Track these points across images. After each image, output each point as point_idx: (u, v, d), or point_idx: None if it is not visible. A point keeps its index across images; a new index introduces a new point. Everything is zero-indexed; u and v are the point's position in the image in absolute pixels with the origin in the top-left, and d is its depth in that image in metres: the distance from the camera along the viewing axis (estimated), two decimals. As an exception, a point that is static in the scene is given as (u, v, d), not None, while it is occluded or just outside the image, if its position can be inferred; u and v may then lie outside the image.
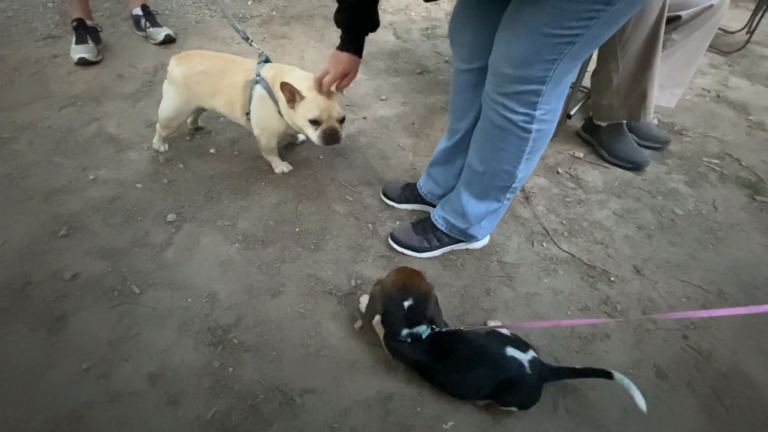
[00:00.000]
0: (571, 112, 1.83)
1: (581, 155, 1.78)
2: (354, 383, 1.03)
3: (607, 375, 0.92)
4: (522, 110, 0.96)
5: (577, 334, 1.14)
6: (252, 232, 1.39)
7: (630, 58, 1.57)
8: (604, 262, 1.34)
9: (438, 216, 1.32)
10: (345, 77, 1.24)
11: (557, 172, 1.69)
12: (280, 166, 1.61)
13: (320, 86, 1.25)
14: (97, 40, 2.18)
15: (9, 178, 1.53)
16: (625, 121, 1.77)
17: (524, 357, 0.96)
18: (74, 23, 2.14)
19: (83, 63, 2.10)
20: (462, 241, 1.33)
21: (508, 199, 1.21)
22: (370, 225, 1.45)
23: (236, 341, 1.10)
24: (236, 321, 1.14)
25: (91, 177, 1.56)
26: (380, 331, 1.07)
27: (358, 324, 1.14)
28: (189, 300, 1.19)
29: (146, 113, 1.86)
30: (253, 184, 1.56)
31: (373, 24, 1.14)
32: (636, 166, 1.72)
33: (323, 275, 1.27)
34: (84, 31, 2.14)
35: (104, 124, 1.81)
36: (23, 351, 1.07)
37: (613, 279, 1.29)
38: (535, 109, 0.96)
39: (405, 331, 0.96)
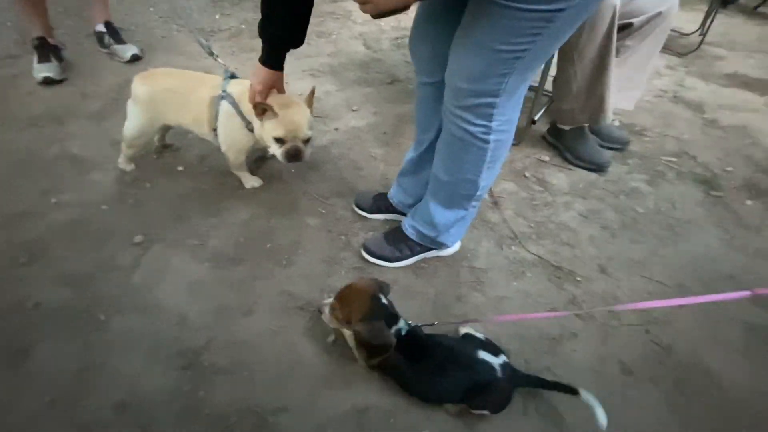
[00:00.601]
0: (536, 117, 1.88)
1: (547, 158, 1.83)
2: (328, 399, 1.03)
3: (574, 392, 0.94)
4: (479, 122, 0.99)
5: (546, 335, 1.17)
6: (222, 251, 1.37)
7: (586, 64, 1.63)
8: (570, 262, 1.38)
9: (408, 225, 1.34)
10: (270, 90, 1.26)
11: (524, 176, 1.74)
12: (251, 182, 1.60)
13: (253, 101, 1.26)
14: (60, 58, 2.13)
15: (-35, 206, 1.47)
16: (587, 124, 1.84)
17: (496, 361, 0.97)
18: (35, 42, 2.07)
19: (48, 82, 2.04)
20: (433, 249, 1.34)
21: (474, 207, 1.24)
22: (342, 237, 1.45)
23: (207, 363, 1.07)
24: (207, 342, 1.12)
25: (54, 200, 1.51)
26: (353, 343, 1.07)
27: (331, 338, 1.14)
28: (158, 324, 1.16)
29: (111, 132, 1.81)
30: (223, 201, 1.54)
31: (297, 41, 1.15)
32: (599, 167, 1.78)
33: (296, 291, 1.26)
34: (46, 49, 2.08)
35: (67, 145, 1.76)
36: (-18, 387, 1.03)
37: (579, 279, 1.33)
38: (491, 121, 0.99)
39: (393, 328, 0.97)
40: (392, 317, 0.99)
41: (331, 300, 1.06)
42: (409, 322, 1.01)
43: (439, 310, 1.22)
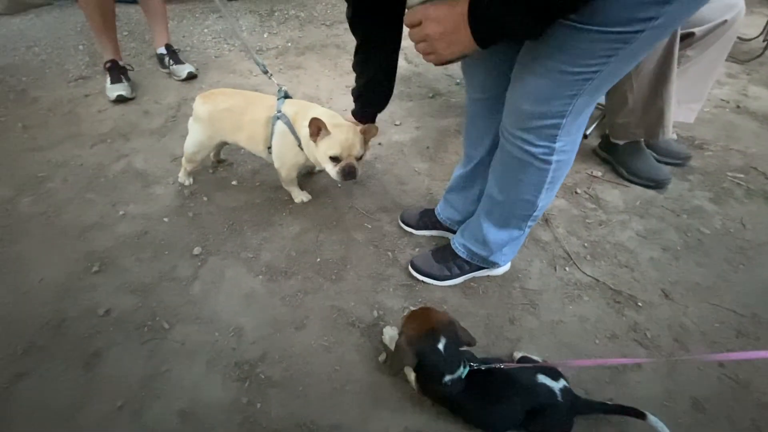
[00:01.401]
0: (588, 131, 1.82)
1: (599, 174, 1.76)
2: (380, 419, 1.03)
3: (641, 415, 0.89)
4: (542, 143, 0.96)
5: (606, 365, 1.11)
6: (275, 264, 1.42)
7: (644, 77, 1.56)
8: (630, 286, 1.31)
9: (458, 243, 1.32)
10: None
11: (576, 193, 1.68)
12: (300, 196, 1.65)
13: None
14: (128, 78, 2.30)
15: (45, 216, 1.61)
16: (642, 139, 1.75)
17: (556, 385, 0.94)
18: (108, 64, 2.26)
19: (120, 100, 2.22)
20: (483, 268, 1.32)
21: (529, 227, 1.21)
22: (389, 253, 1.45)
23: (263, 376, 1.11)
24: (262, 355, 1.16)
25: (121, 212, 1.62)
26: (410, 373, 1.06)
27: (382, 357, 1.14)
28: (216, 334, 1.21)
29: (171, 148, 1.93)
30: (274, 215, 1.60)
31: (380, 104, 1.35)
32: (657, 184, 1.69)
33: (345, 306, 1.28)
34: (117, 71, 2.27)
35: (132, 159, 1.88)
36: (60, 387, 1.10)
37: (640, 304, 1.26)
38: (554, 142, 0.96)
39: (448, 378, 0.94)
40: (448, 365, 0.95)
41: (392, 330, 1.11)
42: (471, 364, 0.98)
43: (491, 333, 1.20)
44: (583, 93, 0.85)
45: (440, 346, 0.94)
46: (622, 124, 1.70)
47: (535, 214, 1.15)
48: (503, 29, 0.77)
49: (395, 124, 2.10)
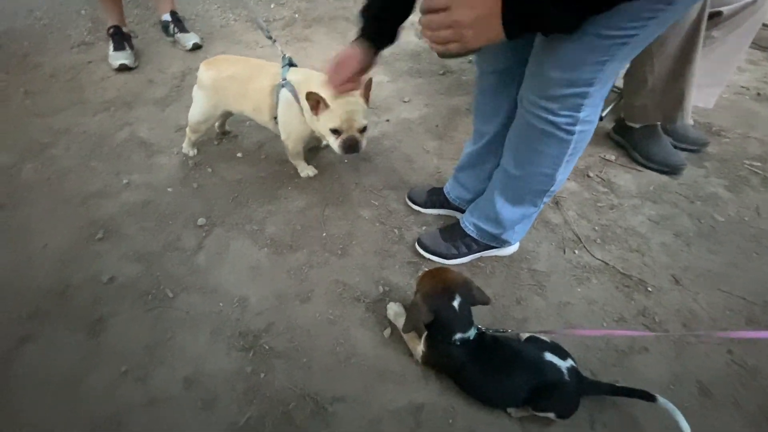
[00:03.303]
0: (603, 114, 1.77)
1: (612, 158, 1.72)
2: (384, 392, 1.02)
3: (650, 398, 0.88)
4: (566, 113, 0.92)
5: (613, 347, 1.10)
6: (280, 237, 1.40)
7: (667, 57, 1.50)
8: (640, 270, 1.29)
9: (468, 222, 1.30)
10: (356, 76, 1.16)
11: (588, 176, 1.64)
12: (306, 170, 1.62)
13: (334, 89, 1.19)
14: (132, 46, 2.24)
15: (48, 183, 1.59)
16: (659, 123, 1.70)
17: (563, 364, 0.93)
18: (111, 30, 2.19)
19: (123, 69, 2.16)
20: (492, 247, 1.30)
21: (544, 203, 1.18)
22: (395, 230, 1.43)
23: (267, 347, 1.10)
24: (267, 326, 1.15)
25: (125, 181, 1.60)
26: (411, 340, 1.06)
27: (387, 332, 1.13)
28: (221, 304, 1.21)
29: (175, 117, 1.90)
30: (279, 188, 1.57)
31: (405, 12, 1.04)
32: (672, 170, 1.65)
33: (351, 281, 1.27)
34: (121, 37, 2.20)
35: (136, 128, 1.85)
36: (65, 353, 1.10)
37: (650, 289, 1.24)
38: (579, 111, 0.92)
39: (458, 335, 0.95)
40: (461, 323, 0.96)
41: (397, 306, 1.11)
42: (479, 327, 0.99)
43: (498, 313, 1.19)
44: (614, 58, 0.80)
45: (455, 303, 0.95)
46: (639, 107, 1.65)
47: (552, 189, 1.11)
48: (539, 21, 0.72)
49: (404, 101, 2.05)
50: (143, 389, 1.03)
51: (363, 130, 1.33)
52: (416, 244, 1.35)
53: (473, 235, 1.29)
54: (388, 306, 1.17)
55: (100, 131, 1.83)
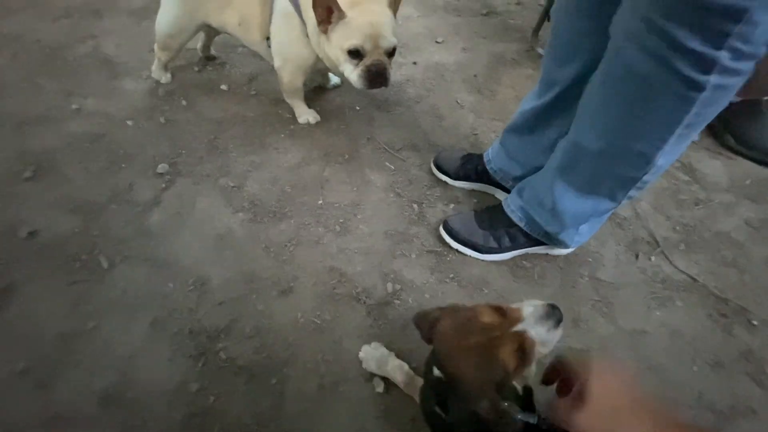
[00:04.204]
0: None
1: (697, 139, 1.29)
2: (382, 441, 0.70)
3: None
4: (699, 48, 0.52)
5: (709, 404, 0.75)
6: (263, 199, 1.02)
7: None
8: (739, 293, 0.92)
9: (515, 206, 0.91)
10: None
11: (664, 158, 1.23)
12: (306, 115, 1.20)
13: None
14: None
15: (-23, 98, 1.19)
16: (766, 98, 1.25)
17: None
18: None
19: None
20: (543, 244, 0.93)
21: (630, 198, 0.79)
22: (415, 205, 1.05)
23: (224, 356, 0.76)
24: (228, 325, 0.80)
25: (75, 106, 1.19)
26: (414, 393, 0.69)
27: (380, 387, 0.73)
28: (171, 285, 0.84)
29: (152, 34, 1.42)
30: (269, 135, 1.16)
31: None
32: (775, 161, 1.23)
33: (350, 270, 0.90)
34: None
35: (101, 42, 1.40)
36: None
37: (755, 322, 0.87)
38: (722, 46, 0.51)
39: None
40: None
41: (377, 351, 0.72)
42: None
43: (545, 334, 0.83)
44: None
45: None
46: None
47: (646, 177, 0.72)
48: None
49: (436, 42, 1.57)
50: (44, 399, 0.69)
51: (392, 53, 0.90)
52: (441, 227, 0.96)
53: (521, 224, 0.90)
54: (362, 351, 0.76)
55: (56, 42, 1.39)
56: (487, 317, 0.52)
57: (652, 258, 0.97)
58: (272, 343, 0.77)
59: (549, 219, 0.85)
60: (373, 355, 0.74)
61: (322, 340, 0.78)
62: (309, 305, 0.83)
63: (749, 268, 0.97)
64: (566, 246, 0.90)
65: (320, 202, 1.02)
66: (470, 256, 0.92)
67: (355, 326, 0.81)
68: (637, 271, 0.94)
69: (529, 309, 0.53)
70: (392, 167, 1.12)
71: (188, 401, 0.70)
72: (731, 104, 1.31)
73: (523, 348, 0.50)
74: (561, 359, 0.48)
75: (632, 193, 0.77)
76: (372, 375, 0.73)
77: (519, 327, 0.51)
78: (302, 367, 0.75)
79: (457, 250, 0.93)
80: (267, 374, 0.74)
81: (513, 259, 0.93)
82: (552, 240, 0.89)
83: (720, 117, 1.30)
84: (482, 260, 0.92)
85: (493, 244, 0.91)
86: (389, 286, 0.87)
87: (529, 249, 0.93)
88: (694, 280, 0.93)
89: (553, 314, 0.53)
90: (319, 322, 0.81)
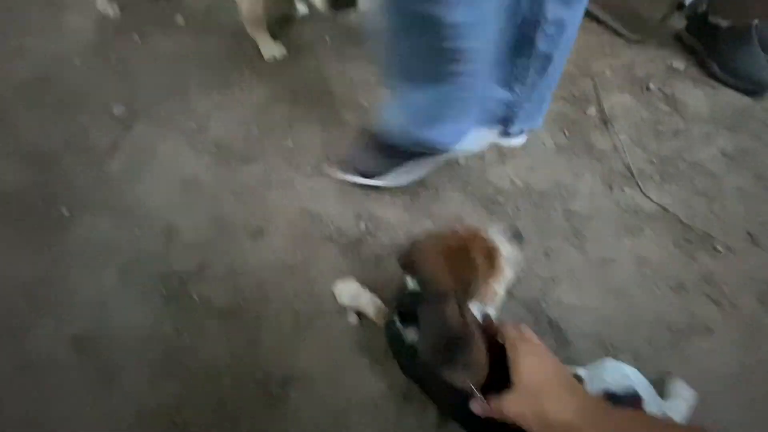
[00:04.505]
0: (686, 1, 1.22)
1: (681, 67, 1.22)
2: (358, 375, 0.70)
3: None
4: None
5: (667, 324, 0.78)
6: (228, 142, 0.95)
7: None
8: (707, 222, 0.92)
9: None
10: None
11: (647, 89, 1.16)
12: (271, 50, 1.09)
13: None
14: None
15: None
16: (755, 23, 1.17)
17: None
18: None
19: None
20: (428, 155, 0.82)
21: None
22: (390, 144, 1.00)
23: (197, 298, 0.74)
24: (199, 268, 0.78)
25: (15, 44, 1.07)
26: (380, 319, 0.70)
27: (353, 319, 0.74)
28: (137, 231, 0.81)
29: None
30: (232, 73, 1.06)
31: None
32: (759, 89, 1.17)
33: (322, 211, 0.87)
34: None
35: (36, -29, 1.23)
36: None
37: (719, 248, 0.88)
38: None
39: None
40: None
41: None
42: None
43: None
44: None
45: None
46: (740, -6, 1.11)
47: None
48: None
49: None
50: (16, 347, 0.68)
51: None
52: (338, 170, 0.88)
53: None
54: (336, 287, 0.75)
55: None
56: (461, 230, 0.57)
57: (626, 189, 0.95)
58: (245, 283, 0.76)
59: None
60: (346, 289, 0.73)
61: (296, 279, 0.77)
62: (281, 247, 0.81)
63: (719, 198, 0.96)
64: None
65: (290, 143, 0.96)
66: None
67: (329, 265, 0.79)
68: (611, 203, 0.93)
69: (494, 228, 0.59)
70: (368, 106, 1.05)
71: (163, 342, 0.70)
72: (719, 30, 1.24)
73: (491, 255, 0.54)
74: (489, 318, 0.49)
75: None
76: (346, 309, 0.74)
77: (487, 236, 0.56)
78: (277, 305, 0.74)
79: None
80: (242, 313, 0.73)
81: (487, 195, 0.91)
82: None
83: (707, 44, 1.24)
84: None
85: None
86: (363, 225, 0.85)
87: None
88: (665, 209, 0.93)
89: (514, 234, 0.59)
90: (292, 262, 0.79)
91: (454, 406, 0.52)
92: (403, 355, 0.59)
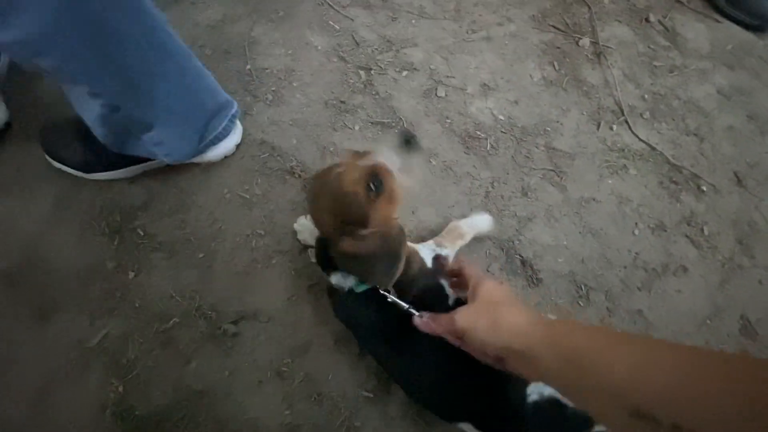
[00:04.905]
0: None
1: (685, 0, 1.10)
2: (319, 313, 0.65)
3: None
4: None
5: (642, 264, 0.74)
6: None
7: None
8: (694, 161, 0.86)
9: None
10: None
11: (647, 21, 1.05)
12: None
13: None
14: None
15: None
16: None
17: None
18: None
19: None
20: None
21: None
22: (362, 72, 0.88)
23: (142, 233, 0.67)
24: (145, 201, 0.69)
25: None
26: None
27: (310, 252, 0.68)
28: (75, 162, 0.72)
29: None
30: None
31: None
32: (764, 23, 1.07)
33: (284, 144, 0.77)
34: None
35: None
36: None
37: (704, 188, 0.83)
38: None
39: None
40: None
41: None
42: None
43: (493, 204, 0.76)
44: None
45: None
46: None
47: None
48: None
49: None
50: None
51: None
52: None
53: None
54: (297, 223, 0.68)
55: None
56: (343, 161, 0.50)
57: (614, 127, 0.87)
58: (196, 219, 0.68)
59: None
60: (308, 226, 0.67)
61: (253, 214, 0.70)
62: (236, 180, 0.72)
63: (710, 137, 0.89)
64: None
65: (248, 67, 0.83)
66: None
67: (289, 200, 0.71)
68: (596, 141, 0.85)
69: (381, 147, 0.51)
70: (337, 27, 0.92)
71: (105, 278, 0.63)
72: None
73: (376, 175, 0.48)
74: (462, 263, 0.49)
75: None
76: (306, 246, 0.67)
77: (366, 160, 0.49)
78: (231, 241, 0.67)
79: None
80: (191, 249, 0.66)
81: (466, 129, 0.82)
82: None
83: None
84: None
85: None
86: (328, 159, 0.76)
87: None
88: (653, 148, 0.86)
89: (406, 140, 0.51)
90: (248, 196, 0.71)
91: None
92: (332, 297, 0.58)
